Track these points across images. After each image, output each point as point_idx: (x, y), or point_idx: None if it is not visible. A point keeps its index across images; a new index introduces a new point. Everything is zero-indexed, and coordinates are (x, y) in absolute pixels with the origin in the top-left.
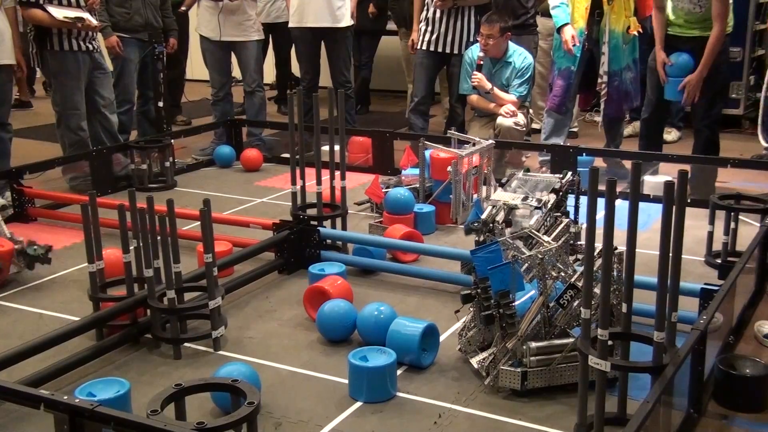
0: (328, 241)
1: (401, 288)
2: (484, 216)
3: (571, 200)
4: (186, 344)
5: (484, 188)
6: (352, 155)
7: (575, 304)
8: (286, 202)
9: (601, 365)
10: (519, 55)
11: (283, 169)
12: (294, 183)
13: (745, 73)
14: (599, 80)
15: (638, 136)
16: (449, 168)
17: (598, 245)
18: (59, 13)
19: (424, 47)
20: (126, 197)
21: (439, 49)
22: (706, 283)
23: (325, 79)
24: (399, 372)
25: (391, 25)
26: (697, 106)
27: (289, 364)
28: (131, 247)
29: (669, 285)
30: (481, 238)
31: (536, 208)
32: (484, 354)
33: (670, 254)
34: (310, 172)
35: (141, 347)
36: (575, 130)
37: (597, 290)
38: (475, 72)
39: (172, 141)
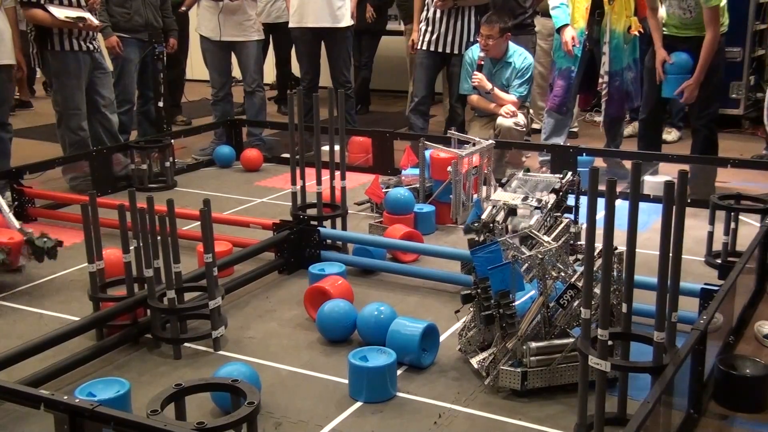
0: (328, 241)
1: (401, 288)
2: (484, 216)
3: (571, 200)
4: (186, 344)
5: (484, 188)
6: (352, 155)
7: (575, 304)
8: (286, 202)
9: (601, 365)
10: (519, 56)
11: (283, 169)
12: (294, 183)
13: (745, 73)
14: (600, 80)
15: (637, 136)
16: (449, 168)
17: (598, 245)
18: (60, 13)
19: (424, 47)
20: (126, 197)
21: (440, 49)
22: (706, 283)
23: (325, 79)
24: (399, 372)
25: (391, 25)
26: (693, 105)
27: (289, 364)
28: (131, 247)
29: (669, 285)
30: (481, 239)
31: (536, 208)
32: (484, 354)
33: (670, 254)
34: (310, 172)
35: (141, 347)
36: (575, 130)
37: (597, 290)
38: (475, 72)
39: (172, 141)
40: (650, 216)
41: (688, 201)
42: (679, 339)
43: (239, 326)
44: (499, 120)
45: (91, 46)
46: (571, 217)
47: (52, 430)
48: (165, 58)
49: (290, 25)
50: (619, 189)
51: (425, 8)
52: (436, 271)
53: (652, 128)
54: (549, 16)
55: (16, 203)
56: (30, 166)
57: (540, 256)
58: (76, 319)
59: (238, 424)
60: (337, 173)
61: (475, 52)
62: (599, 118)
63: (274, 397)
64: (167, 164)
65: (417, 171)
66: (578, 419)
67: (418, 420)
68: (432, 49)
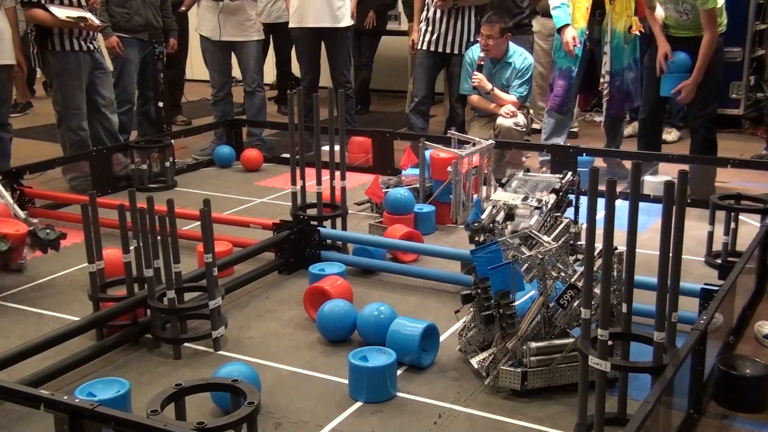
0: (328, 241)
1: (401, 288)
2: (484, 216)
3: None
4: (186, 344)
5: (484, 188)
6: (352, 155)
7: (575, 304)
8: (286, 202)
9: (601, 365)
10: (519, 56)
11: (283, 169)
12: (294, 183)
13: (745, 73)
14: (601, 80)
15: (637, 136)
16: (449, 168)
17: (598, 245)
18: (61, 12)
19: (424, 47)
20: (126, 197)
21: (440, 49)
22: (706, 283)
23: (325, 79)
24: (399, 372)
25: (391, 25)
26: (692, 105)
27: (289, 364)
28: (131, 247)
29: (669, 285)
30: (481, 239)
31: (536, 208)
32: (484, 354)
33: (670, 254)
34: (310, 172)
35: (141, 347)
36: (575, 130)
37: (597, 290)
38: (475, 72)
39: (172, 141)
40: (650, 216)
41: (688, 201)
42: (679, 339)
43: (239, 326)
44: (499, 120)
45: (91, 46)
46: (571, 217)
47: (52, 430)
48: (165, 58)
49: (290, 25)
50: (619, 189)
51: (425, 8)
52: (436, 271)
53: (651, 128)
54: (549, 16)
55: (16, 203)
56: (30, 166)
57: (540, 256)
58: (76, 319)
59: (238, 424)
60: (337, 173)
61: (475, 52)
62: (599, 118)
63: (274, 397)
64: (167, 164)
65: (417, 171)
66: (578, 419)
67: (418, 420)
68: (432, 49)
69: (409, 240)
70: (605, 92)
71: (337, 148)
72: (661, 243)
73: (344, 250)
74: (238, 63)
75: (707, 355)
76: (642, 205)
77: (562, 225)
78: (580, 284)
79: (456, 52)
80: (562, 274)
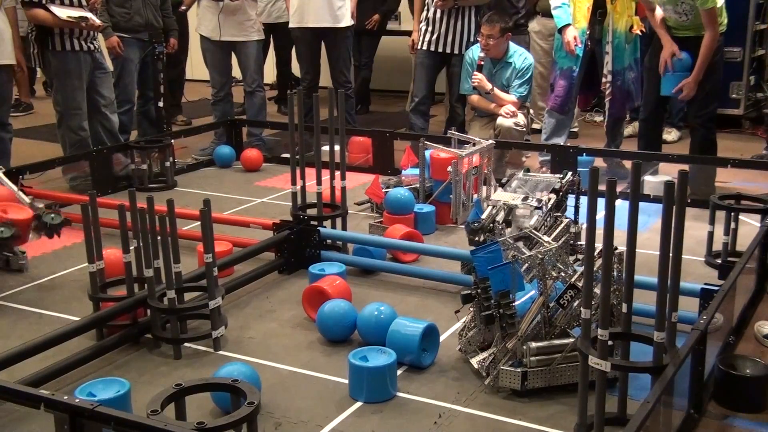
0: (329, 241)
1: (401, 288)
2: (484, 216)
3: (571, 200)
4: (186, 344)
5: (484, 188)
6: (352, 155)
7: (575, 304)
8: (286, 202)
9: (601, 365)
10: (519, 56)
11: (283, 169)
12: (294, 183)
13: (745, 73)
14: (603, 80)
15: (637, 136)
16: (449, 168)
17: (598, 245)
18: (62, 12)
19: (424, 47)
20: (126, 197)
21: (440, 49)
22: (706, 283)
23: (325, 79)
24: (399, 372)
25: (391, 25)
26: (692, 105)
27: (289, 364)
28: (131, 247)
29: (669, 285)
30: (481, 238)
31: (536, 208)
32: (484, 354)
33: (670, 254)
34: (310, 172)
35: (141, 347)
36: (575, 130)
37: (597, 290)
38: (475, 72)
39: (172, 141)
40: (650, 216)
41: (688, 201)
42: (679, 339)
43: (239, 326)
44: (499, 120)
45: (91, 46)
46: (571, 217)
47: (52, 430)
48: (165, 58)
49: (290, 25)
50: (619, 189)
51: (425, 8)
52: (436, 271)
53: (652, 128)
54: (549, 16)
55: None
56: (30, 166)
57: (540, 256)
58: (76, 319)
59: (238, 424)
60: (337, 173)
61: (475, 53)
62: (599, 118)
63: (274, 397)
64: (167, 164)
65: (417, 171)
66: (578, 419)
67: (418, 420)
68: (432, 49)
69: (409, 240)
70: (608, 92)
71: (337, 148)
72: (661, 243)
73: (344, 250)
74: (238, 63)
75: (707, 355)
76: (642, 205)
77: (562, 225)
78: (580, 284)
79: (456, 52)
80: (562, 274)
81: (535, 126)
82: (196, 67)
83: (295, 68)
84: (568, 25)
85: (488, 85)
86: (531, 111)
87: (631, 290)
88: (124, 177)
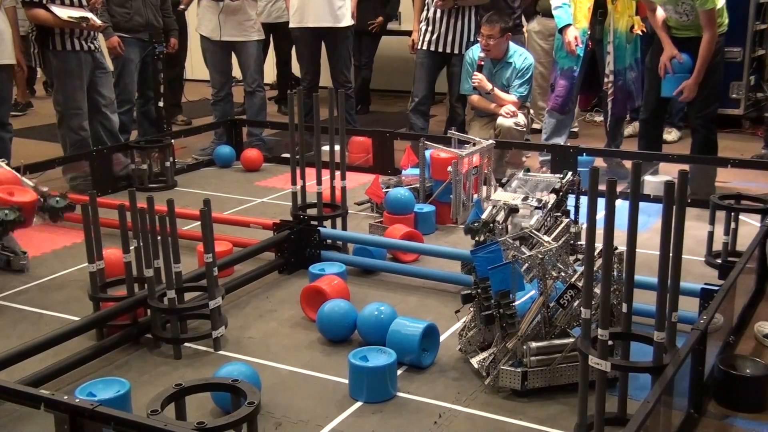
0: (329, 241)
1: (401, 288)
2: (484, 216)
3: (571, 200)
4: (186, 344)
5: (484, 188)
6: (353, 155)
7: (575, 304)
8: (286, 202)
9: (601, 365)
10: (519, 56)
11: (283, 169)
12: (294, 183)
13: (745, 73)
14: (606, 80)
15: (638, 136)
16: (449, 168)
17: (599, 245)
18: (63, 12)
19: (424, 47)
20: (126, 197)
21: (440, 49)
22: (706, 283)
23: (325, 79)
24: (399, 372)
25: (391, 25)
26: (692, 105)
27: (289, 364)
28: (131, 247)
29: (669, 285)
30: (481, 238)
31: (536, 208)
32: (484, 354)
33: (670, 254)
34: (311, 172)
35: (141, 347)
36: (575, 130)
37: (597, 290)
38: (475, 73)
39: (172, 141)
40: (650, 216)
41: (688, 201)
42: (679, 339)
43: (239, 326)
44: (500, 120)
45: (92, 46)
46: (571, 216)
47: (52, 430)
48: (164, 58)
49: (291, 25)
50: (619, 189)
51: (425, 8)
52: (436, 271)
53: (653, 128)
54: (549, 16)
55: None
56: (30, 166)
57: (540, 256)
58: (76, 319)
59: (238, 424)
60: (337, 173)
61: (475, 53)
62: (599, 118)
63: (274, 397)
64: (167, 164)
65: (417, 171)
66: (578, 419)
67: (418, 420)
68: (432, 48)
69: (409, 240)
70: (610, 92)
71: (337, 148)
72: (661, 243)
73: (344, 250)
74: (239, 63)
75: (707, 355)
76: (642, 205)
77: (562, 225)
78: (580, 284)
79: (456, 52)
80: (562, 274)
81: (536, 126)
82: (196, 67)
83: (295, 68)
84: (569, 25)
85: (488, 85)
86: (531, 111)
87: (631, 290)
88: (124, 177)
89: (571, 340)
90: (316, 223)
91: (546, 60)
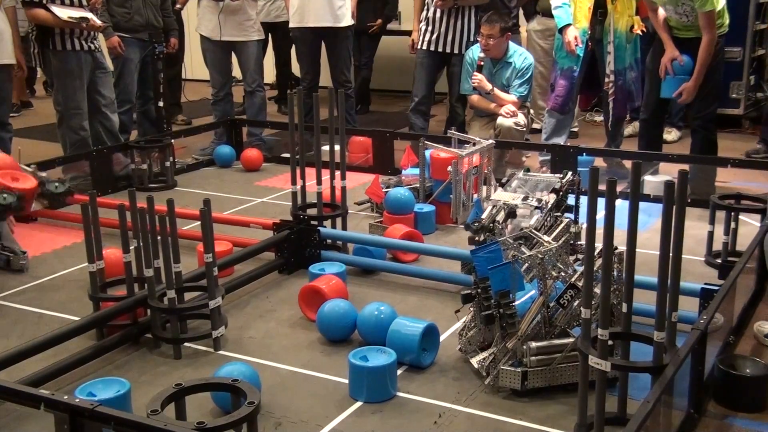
0: (329, 240)
1: (401, 288)
2: (484, 216)
3: (571, 200)
4: (186, 344)
5: (484, 188)
6: (352, 155)
7: (575, 304)
8: (286, 202)
9: (601, 365)
10: (519, 56)
11: (283, 169)
12: (294, 183)
13: (745, 73)
14: (606, 79)
15: (638, 136)
16: (449, 168)
17: (598, 245)
18: (63, 13)
19: (424, 47)
20: (126, 197)
21: (440, 49)
22: (706, 283)
23: (325, 78)
24: (399, 372)
25: (392, 25)
26: (692, 105)
27: (289, 364)
28: (131, 247)
29: (669, 285)
30: (481, 239)
31: (536, 208)
32: (484, 354)
33: (670, 254)
34: (310, 172)
35: (141, 347)
36: (575, 130)
37: (597, 290)
38: (475, 73)
39: (172, 141)
40: (650, 216)
41: (688, 201)
42: (679, 339)
43: (239, 326)
44: (500, 120)
45: (92, 46)
46: (571, 216)
47: (52, 430)
48: (164, 58)
49: (291, 25)
50: (619, 189)
51: (425, 8)
52: (436, 271)
53: (653, 128)
54: (549, 15)
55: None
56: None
57: (540, 256)
58: (76, 319)
59: (238, 424)
60: (337, 173)
61: (475, 53)
62: (599, 118)
63: (274, 397)
64: (167, 164)
65: (417, 171)
66: (578, 419)
67: (418, 420)
68: (432, 48)
69: (409, 240)
70: (610, 92)
71: (337, 147)
72: (661, 243)
73: (344, 249)
74: (239, 63)
75: (707, 355)
76: (642, 205)
77: (562, 225)
78: (580, 284)
79: (456, 51)
80: (562, 274)
81: (535, 126)
82: (196, 66)
83: (295, 68)
84: (569, 25)
85: (488, 85)
86: (531, 111)
87: (631, 290)
88: (124, 177)
89: (571, 340)
90: (316, 223)
91: (546, 60)
